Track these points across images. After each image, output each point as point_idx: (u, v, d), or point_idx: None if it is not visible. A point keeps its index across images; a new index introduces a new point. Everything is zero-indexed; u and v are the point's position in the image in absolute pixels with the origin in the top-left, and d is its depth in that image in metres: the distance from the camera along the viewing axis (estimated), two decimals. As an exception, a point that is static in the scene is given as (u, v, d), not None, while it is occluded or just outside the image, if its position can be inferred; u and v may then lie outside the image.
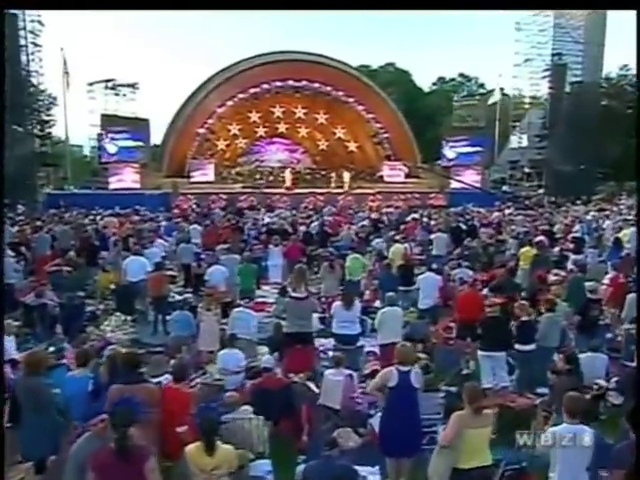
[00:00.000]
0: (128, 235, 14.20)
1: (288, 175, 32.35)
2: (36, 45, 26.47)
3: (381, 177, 34.68)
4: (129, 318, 10.77)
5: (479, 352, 7.67)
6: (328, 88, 34.32)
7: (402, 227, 18.79)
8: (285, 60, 32.75)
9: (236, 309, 8.97)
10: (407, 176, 34.87)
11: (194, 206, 25.94)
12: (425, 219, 18.37)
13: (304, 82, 33.92)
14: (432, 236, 15.22)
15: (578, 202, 28.76)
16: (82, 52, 75.39)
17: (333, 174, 33.18)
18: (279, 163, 37.58)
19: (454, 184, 32.51)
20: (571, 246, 14.26)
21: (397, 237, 14.34)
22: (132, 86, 30.60)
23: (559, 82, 33.28)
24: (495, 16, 69.52)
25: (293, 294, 8.26)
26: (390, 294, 8.49)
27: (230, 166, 35.47)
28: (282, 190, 30.79)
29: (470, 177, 33.33)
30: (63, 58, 28.66)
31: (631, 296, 8.38)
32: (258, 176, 34.45)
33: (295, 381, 7.84)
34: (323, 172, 35.48)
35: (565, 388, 5.54)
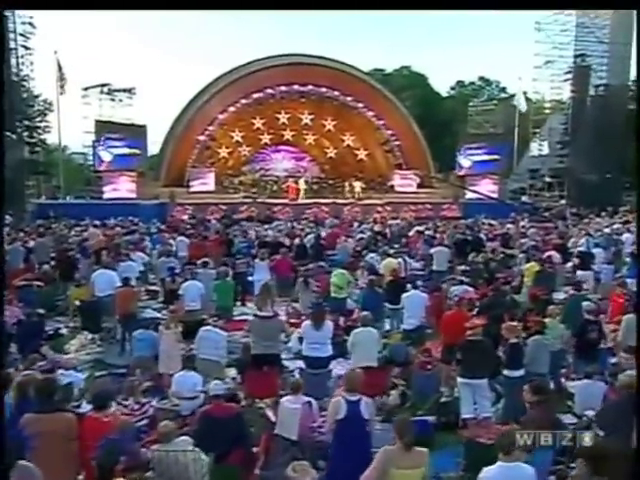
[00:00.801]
0: (101, 248, 14.12)
1: (302, 185, 32.22)
2: (27, 48, 26.84)
3: (392, 187, 34.44)
4: (97, 336, 10.64)
5: (458, 379, 7.39)
6: (335, 93, 34.17)
7: (404, 240, 18.65)
8: (290, 63, 32.72)
9: (203, 328, 8.81)
10: (420, 186, 34.57)
11: (189, 217, 25.90)
12: (427, 232, 18.06)
13: (310, 86, 33.78)
14: (432, 250, 14.95)
15: (603, 214, 28.18)
16: (76, 55, 76.35)
17: (346, 184, 33.04)
18: (285, 172, 37.55)
19: (470, 194, 32.21)
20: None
21: (391, 251, 14.05)
22: (129, 91, 30.79)
23: (582, 85, 32.83)
24: (515, 16, 68.89)
25: (258, 313, 8.06)
26: (365, 313, 8.27)
27: (233, 175, 35.44)
28: (285, 200, 30.68)
29: (486, 187, 32.97)
30: (57, 61, 28.94)
31: (629, 317, 8.01)
32: (262, 185, 34.48)
33: (260, 407, 7.65)
34: (331, 181, 35.43)
35: (533, 423, 5.27)
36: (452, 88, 55.85)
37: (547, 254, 13.21)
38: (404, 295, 9.81)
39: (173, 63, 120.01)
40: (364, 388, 7.77)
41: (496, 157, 33.27)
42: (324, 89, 34.06)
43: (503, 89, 53.15)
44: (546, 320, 8.11)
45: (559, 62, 32.96)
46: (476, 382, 7.27)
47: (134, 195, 30.38)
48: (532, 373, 7.61)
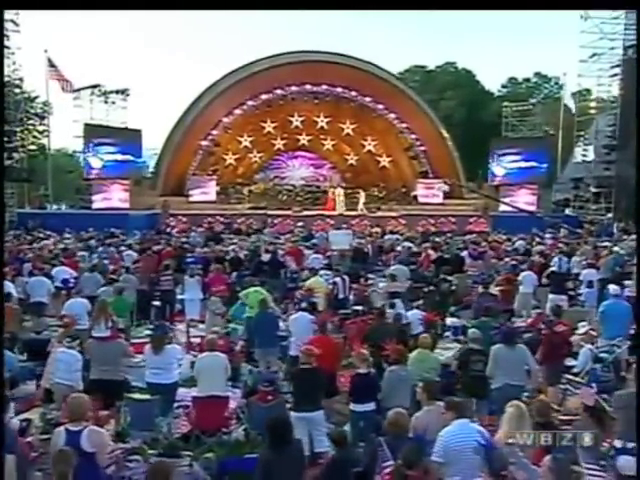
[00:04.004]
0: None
1: (340, 195, 32.22)
2: (7, 48, 27.89)
3: (415, 198, 34.16)
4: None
5: (292, 413, 7.28)
6: (353, 93, 34.42)
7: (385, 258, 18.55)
8: (300, 61, 33.05)
9: (59, 349, 8.99)
10: (448, 197, 34.17)
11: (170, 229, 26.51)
12: (400, 248, 17.80)
13: (324, 86, 34.17)
14: (391, 269, 14.78)
15: (656, 229, 27.02)
16: (66, 54, 78.09)
17: (338, 192, 32.57)
18: (302, 181, 37.83)
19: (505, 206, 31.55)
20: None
21: (342, 269, 14.00)
22: (122, 92, 31.77)
23: (634, 81, 31.62)
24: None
25: (94, 333, 8.21)
26: (211, 336, 8.30)
27: (242, 184, 35.92)
28: (288, 212, 30.89)
29: (524, 198, 32.32)
30: (49, 60, 30.05)
31: (496, 348, 7.62)
32: (274, 195, 34.85)
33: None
34: (350, 191, 35.25)
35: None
36: (504, 86, 54.96)
37: (503, 276, 12.86)
38: (291, 317, 9.79)
39: (174, 64, 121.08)
40: (204, 421, 7.91)
41: (534, 164, 32.54)
42: (340, 89, 34.31)
43: (563, 87, 51.77)
44: (418, 350, 7.92)
45: (608, 54, 31.87)
46: (310, 415, 7.17)
47: (127, 205, 31.22)
48: (389, 409, 7.45)
